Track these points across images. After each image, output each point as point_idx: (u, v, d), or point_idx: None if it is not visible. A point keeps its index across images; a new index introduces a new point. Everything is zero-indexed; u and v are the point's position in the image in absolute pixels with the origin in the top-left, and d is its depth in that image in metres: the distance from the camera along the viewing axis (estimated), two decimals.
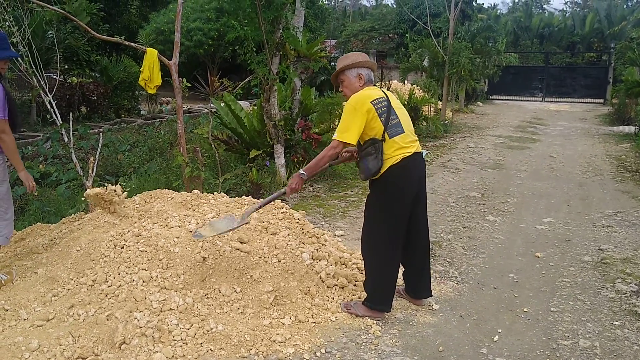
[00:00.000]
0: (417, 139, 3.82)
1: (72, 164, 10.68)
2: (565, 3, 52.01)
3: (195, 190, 5.10)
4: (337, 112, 8.61)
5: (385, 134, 3.59)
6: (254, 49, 7.35)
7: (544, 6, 49.71)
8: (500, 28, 26.05)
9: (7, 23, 4.78)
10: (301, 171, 3.78)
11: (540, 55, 32.22)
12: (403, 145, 3.64)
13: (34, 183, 4.12)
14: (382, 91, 3.74)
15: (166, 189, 5.23)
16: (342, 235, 5.52)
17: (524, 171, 9.21)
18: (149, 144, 12.01)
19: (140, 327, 3.27)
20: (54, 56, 14.73)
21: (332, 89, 20.54)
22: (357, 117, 3.55)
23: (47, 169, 9.61)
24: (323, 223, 5.95)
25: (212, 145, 6.79)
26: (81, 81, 17.33)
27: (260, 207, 4.05)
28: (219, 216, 4.36)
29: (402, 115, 3.71)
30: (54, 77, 15.77)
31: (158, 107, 20.17)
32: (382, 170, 3.64)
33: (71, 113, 5.66)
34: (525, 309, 4.05)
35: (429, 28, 15.56)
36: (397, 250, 3.80)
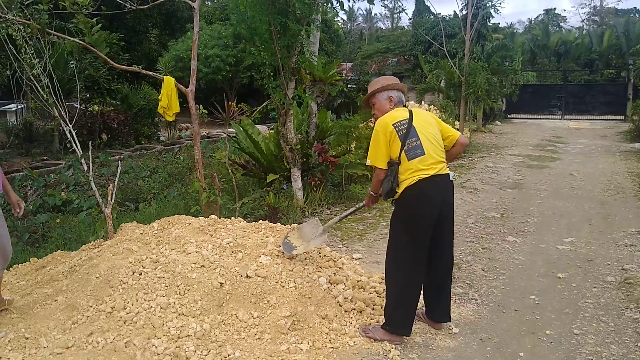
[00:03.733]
0: (443, 160, 3.80)
1: (92, 191, 10.85)
2: (583, 20, 51.92)
3: (213, 216, 5.14)
4: (354, 135, 8.63)
5: (403, 156, 3.61)
6: (271, 74, 7.44)
7: (561, 24, 49.65)
8: (517, 47, 26.04)
9: (29, 55, 4.90)
10: (370, 191, 4.03)
11: (558, 73, 32.05)
12: (421, 167, 3.64)
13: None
14: (409, 111, 3.76)
15: (184, 215, 5.28)
16: (359, 259, 5.49)
17: (544, 190, 9.11)
18: (168, 170, 12.15)
19: (158, 354, 3.28)
20: (75, 85, 15.08)
21: (350, 112, 20.66)
22: (381, 141, 3.65)
23: (68, 197, 9.74)
24: (340, 246, 5.93)
25: (230, 170, 6.83)
26: (102, 109, 17.64)
27: (340, 220, 4.56)
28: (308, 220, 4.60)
29: (426, 136, 3.70)
30: (75, 105, 16.09)
31: (177, 133, 20.44)
32: (399, 192, 3.66)
33: (91, 142, 5.74)
34: (547, 332, 3.97)
35: (445, 49, 15.59)
36: (418, 273, 3.75)
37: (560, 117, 26.37)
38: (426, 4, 38.09)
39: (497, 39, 25.91)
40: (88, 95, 16.88)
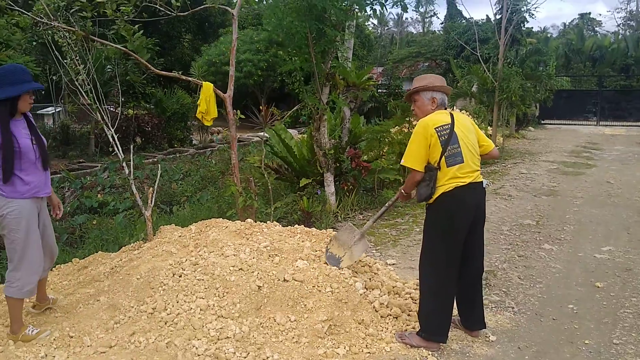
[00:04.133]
0: (478, 168, 3.80)
1: (128, 193, 11.09)
2: (618, 25, 50.89)
3: (249, 219, 5.20)
4: (386, 140, 8.62)
5: (442, 162, 3.62)
6: (302, 79, 7.52)
7: (596, 29, 48.76)
8: (551, 51, 25.65)
9: (74, 61, 5.05)
10: (401, 189, 4.04)
11: (593, 79, 31.49)
12: (459, 175, 3.65)
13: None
14: (450, 115, 3.76)
15: (220, 218, 5.35)
16: (394, 264, 5.49)
17: (580, 198, 8.96)
18: (201, 173, 12.31)
19: (199, 355, 3.34)
20: (111, 90, 15.39)
21: (380, 116, 20.63)
22: (421, 143, 3.64)
23: (105, 198, 9.94)
24: (374, 252, 5.93)
25: (265, 175, 6.90)
26: (136, 113, 17.97)
27: (375, 221, 4.62)
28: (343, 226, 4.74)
29: (466, 143, 3.70)
30: (111, 109, 16.44)
31: (209, 137, 20.70)
32: (434, 197, 3.67)
33: (132, 145, 5.88)
34: (586, 341, 3.92)
35: (478, 54, 15.46)
36: (451, 279, 3.76)
37: (595, 123, 25.89)
38: (458, 8, 37.97)
39: (530, 43, 25.62)
40: (123, 99, 17.22)
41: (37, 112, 22.16)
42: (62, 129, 17.77)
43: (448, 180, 3.64)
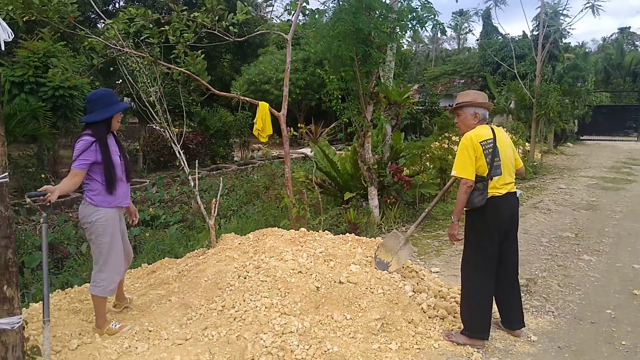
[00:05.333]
0: (513, 180, 4.14)
1: (177, 207, 11.65)
2: None
3: (302, 229, 5.60)
4: (427, 156, 8.95)
5: (488, 174, 3.96)
6: (340, 97, 7.96)
7: (636, 43, 48.13)
8: (590, 66, 25.58)
9: (145, 84, 5.57)
10: (453, 218, 4.19)
11: (634, 94, 31.16)
12: (497, 186, 4.01)
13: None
14: (492, 129, 4.10)
15: (275, 227, 5.77)
16: (438, 272, 5.80)
17: (619, 212, 9.10)
18: (246, 188, 12.79)
19: (266, 347, 3.73)
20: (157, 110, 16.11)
21: (416, 133, 20.89)
22: (470, 155, 3.97)
23: (156, 212, 10.47)
24: (418, 261, 6.25)
25: (316, 188, 7.31)
26: (181, 131, 18.67)
27: (416, 226, 4.99)
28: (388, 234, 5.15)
29: (505, 157, 4.05)
30: (155, 127, 17.14)
31: (250, 154, 21.31)
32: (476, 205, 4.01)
33: (197, 160, 6.37)
34: (623, 342, 4.17)
35: (515, 70, 15.67)
36: (488, 280, 4.09)
37: (635, 138, 25.63)
38: (494, 25, 38.08)
39: (568, 58, 25.61)
40: (170, 118, 17.92)
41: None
42: None
43: (489, 190, 3.99)
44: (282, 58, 25.96)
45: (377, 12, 7.05)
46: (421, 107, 27.43)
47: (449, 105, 31.89)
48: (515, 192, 4.20)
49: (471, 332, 4.08)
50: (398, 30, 7.25)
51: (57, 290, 5.34)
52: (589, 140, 25.27)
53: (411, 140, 12.70)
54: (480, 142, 4.00)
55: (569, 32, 24.95)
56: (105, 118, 4.07)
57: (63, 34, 6.07)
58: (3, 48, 3.38)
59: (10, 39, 3.43)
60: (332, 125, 24.08)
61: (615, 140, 25.37)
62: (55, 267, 7.32)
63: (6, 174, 3.49)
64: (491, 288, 4.13)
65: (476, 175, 4.00)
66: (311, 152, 11.83)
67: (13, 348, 3.49)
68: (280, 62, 25.76)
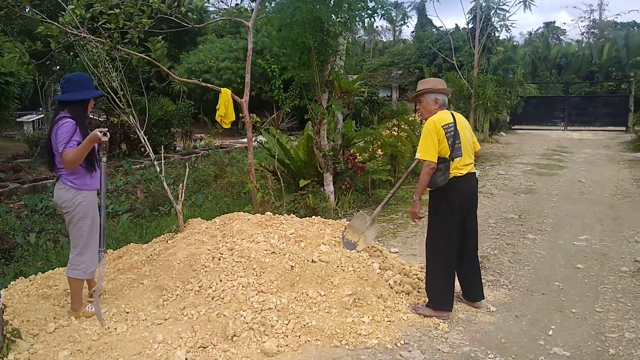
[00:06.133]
0: (473, 161, 4.43)
1: (122, 197, 11.46)
2: (582, 34, 52.69)
3: (268, 212, 5.72)
4: (378, 143, 9.23)
5: (450, 155, 4.22)
6: (281, 87, 8.13)
7: (560, 37, 50.47)
8: (519, 59, 26.74)
9: (107, 70, 5.51)
10: (415, 197, 4.43)
11: (560, 85, 32.73)
12: (459, 166, 4.29)
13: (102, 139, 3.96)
14: (452, 114, 4.36)
15: (241, 212, 5.87)
16: (397, 252, 6.07)
17: (555, 195, 9.70)
18: (194, 177, 12.70)
19: (247, 323, 3.86)
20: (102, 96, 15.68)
21: (356, 122, 21.21)
22: (433, 139, 4.21)
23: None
24: (377, 242, 6.48)
25: (278, 174, 7.43)
26: (121, 120, 18.25)
27: (382, 207, 5.14)
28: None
29: (465, 139, 4.33)
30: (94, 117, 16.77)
31: (192, 143, 21.06)
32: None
33: (166, 147, 6.35)
34: (573, 310, 4.56)
35: (454, 62, 16.25)
36: (451, 256, 4.39)
37: (563, 128, 27.01)
38: (428, 17, 39.07)
39: (498, 51, 26.67)
40: (110, 107, 17.48)
41: (17, 119, 22.20)
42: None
43: (451, 170, 4.27)
44: (222, 47, 25.72)
45: (332, 2, 7.22)
46: (361, 98, 27.93)
47: (387, 97, 32.55)
48: (475, 172, 4.50)
49: (436, 304, 4.36)
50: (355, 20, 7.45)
51: (11, 280, 5.24)
52: (521, 129, 26.41)
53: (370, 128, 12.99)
54: (442, 126, 4.26)
55: (509, 29, 25.92)
56: (85, 98, 4.06)
57: None
58: None
59: None
60: (273, 115, 24.14)
61: (544, 129, 26.63)
62: (4, 257, 7.12)
63: None
64: (454, 263, 4.42)
65: (438, 157, 4.26)
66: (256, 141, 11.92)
67: None
68: (221, 50, 25.50)
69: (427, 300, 4.48)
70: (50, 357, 3.50)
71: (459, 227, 4.38)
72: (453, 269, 4.45)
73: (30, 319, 4.05)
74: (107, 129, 3.98)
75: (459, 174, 4.30)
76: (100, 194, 4.20)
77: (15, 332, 3.65)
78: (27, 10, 5.49)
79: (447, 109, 4.54)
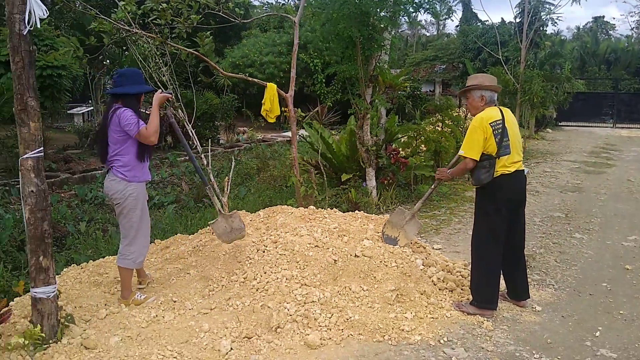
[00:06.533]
0: (521, 158, 4.36)
1: (168, 188, 11.70)
2: (632, 29, 50.97)
3: (311, 206, 5.77)
4: (421, 138, 9.16)
5: (496, 153, 4.17)
6: (324, 81, 8.13)
7: (610, 32, 48.99)
8: (567, 54, 26.07)
9: (157, 64, 5.64)
10: (448, 172, 4.55)
11: (608, 81, 31.78)
12: (507, 164, 4.23)
13: (164, 94, 4.49)
14: (500, 110, 4.30)
15: (284, 205, 5.93)
16: (440, 249, 6.03)
17: (603, 194, 9.46)
18: (237, 170, 12.86)
19: (291, 315, 3.91)
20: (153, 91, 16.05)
21: (399, 117, 21.10)
22: (479, 136, 4.17)
23: (149, 192, 10.52)
24: (420, 238, 6.46)
25: (321, 168, 7.47)
26: (167, 113, 18.63)
27: (423, 202, 5.15)
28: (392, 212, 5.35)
29: (513, 136, 4.27)
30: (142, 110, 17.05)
31: (235, 137, 21.32)
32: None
33: (210, 140, 6.47)
34: (621, 312, 4.45)
35: (500, 56, 15.95)
36: (497, 254, 4.33)
37: (611, 125, 26.26)
38: (474, 11, 38.42)
39: (546, 45, 26.05)
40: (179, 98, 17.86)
41: (68, 111, 22.91)
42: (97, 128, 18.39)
43: (498, 168, 4.21)
44: (266, 41, 25.90)
45: None
46: (403, 92, 27.75)
47: (430, 91, 32.21)
48: (523, 170, 4.43)
49: (480, 302, 4.32)
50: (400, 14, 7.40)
51: (63, 267, 5.44)
52: (568, 126, 25.79)
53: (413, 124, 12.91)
54: (490, 123, 4.21)
55: (555, 23, 25.34)
56: (139, 92, 4.19)
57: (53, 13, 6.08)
58: (39, 25, 3.46)
59: (45, 16, 3.51)
60: (315, 109, 24.20)
61: (592, 126, 25.94)
62: (56, 245, 7.37)
63: (41, 148, 3.60)
64: (499, 261, 4.37)
65: (484, 153, 4.21)
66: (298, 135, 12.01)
67: (48, 316, 3.63)
68: (264, 45, 25.69)
69: (470, 297, 4.44)
70: (101, 342, 3.62)
71: (506, 225, 4.32)
72: (499, 267, 4.40)
73: (83, 305, 4.20)
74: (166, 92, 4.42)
75: (507, 172, 4.24)
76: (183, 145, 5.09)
77: (69, 317, 3.79)
78: (77, 5, 5.65)
79: (495, 105, 4.48)
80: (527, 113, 16.58)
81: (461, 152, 4.34)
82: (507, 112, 4.42)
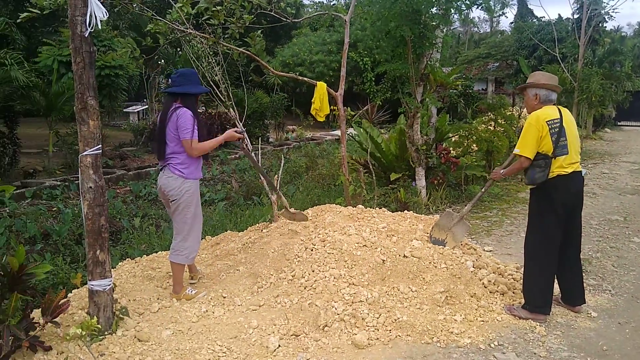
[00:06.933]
0: (579, 159, 4.23)
1: (219, 185, 11.91)
2: None
3: (360, 205, 5.75)
4: (473, 138, 9.00)
5: (553, 153, 4.06)
6: (373, 80, 8.07)
7: None
8: (628, 51, 25.09)
9: (211, 64, 5.75)
10: (501, 171, 4.46)
11: None
12: (564, 165, 4.10)
13: (237, 135, 4.54)
14: (559, 110, 4.19)
15: (333, 204, 5.94)
16: (491, 251, 5.91)
17: None
18: (285, 168, 12.96)
19: (338, 314, 3.91)
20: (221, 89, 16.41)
21: (450, 116, 20.81)
22: (533, 134, 4.07)
23: (200, 190, 10.71)
24: (470, 240, 6.35)
25: (369, 167, 7.45)
26: (218, 111, 18.96)
27: (473, 204, 5.09)
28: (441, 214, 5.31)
29: (571, 136, 4.14)
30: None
31: (284, 135, 21.51)
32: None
33: (260, 138, 6.57)
34: None
35: (557, 54, 15.50)
36: (551, 257, 4.21)
37: None
38: (529, 7, 37.45)
39: (605, 42, 25.14)
40: (208, 99, 18.21)
41: (124, 110, 23.62)
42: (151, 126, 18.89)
43: (555, 168, 4.10)
44: (316, 40, 26.00)
45: None
46: (455, 91, 27.33)
47: (483, 90, 31.62)
48: (581, 171, 4.29)
49: (533, 306, 4.21)
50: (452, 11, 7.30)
51: (118, 261, 5.61)
52: (627, 126, 24.85)
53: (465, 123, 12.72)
54: (546, 122, 4.09)
55: (611, 17, 24.45)
56: (199, 92, 4.30)
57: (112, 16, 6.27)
58: (100, 27, 3.58)
59: (105, 18, 3.62)
60: (364, 108, 24.13)
61: None
62: (111, 239, 7.61)
63: (100, 146, 3.72)
64: (554, 265, 4.24)
65: (539, 152, 4.10)
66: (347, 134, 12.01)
67: (104, 308, 3.75)
68: (314, 44, 25.79)
69: (522, 301, 4.34)
70: (154, 335, 3.71)
71: (562, 228, 4.19)
72: (553, 270, 4.27)
73: (136, 299, 4.32)
74: (241, 129, 4.59)
75: (564, 173, 4.12)
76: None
77: (123, 310, 3.91)
78: (135, 7, 5.80)
79: (554, 104, 4.37)
80: (585, 112, 16.04)
81: (516, 151, 4.24)
82: (565, 111, 4.30)
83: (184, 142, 4.17)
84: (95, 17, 3.49)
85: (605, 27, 20.80)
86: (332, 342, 3.70)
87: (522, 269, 4.92)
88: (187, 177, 4.26)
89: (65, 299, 3.56)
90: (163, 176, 4.32)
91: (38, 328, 3.40)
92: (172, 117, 4.18)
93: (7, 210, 8.72)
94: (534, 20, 35.01)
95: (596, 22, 17.57)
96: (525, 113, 15.36)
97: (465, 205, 5.09)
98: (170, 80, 4.44)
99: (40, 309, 3.43)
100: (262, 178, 5.71)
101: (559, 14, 37.32)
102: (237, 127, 4.50)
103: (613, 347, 3.81)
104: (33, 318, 3.45)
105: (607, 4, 17.76)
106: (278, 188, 5.62)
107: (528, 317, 4.19)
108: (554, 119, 4.11)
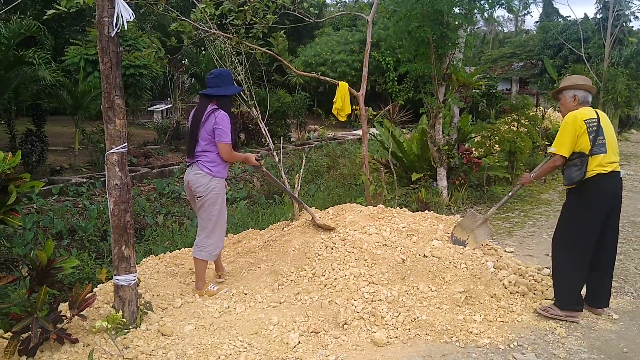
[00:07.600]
0: (617, 160, 4.21)
1: (241, 184, 12.03)
2: None
3: (380, 205, 5.78)
4: (496, 138, 8.95)
5: (590, 151, 4.05)
6: (395, 79, 8.05)
7: None
8: None
9: (234, 64, 5.83)
10: (531, 174, 4.54)
11: None
12: (602, 164, 4.09)
13: (254, 161, 4.63)
14: (596, 112, 4.19)
15: (353, 204, 5.97)
16: (512, 252, 5.89)
17: None
18: (307, 167, 13.03)
19: (358, 312, 3.95)
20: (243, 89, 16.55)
21: (473, 115, 20.67)
22: (570, 133, 4.08)
23: None
24: (491, 241, 6.33)
25: (390, 166, 7.47)
26: (241, 110, 19.11)
27: (499, 207, 5.17)
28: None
29: (609, 136, 4.14)
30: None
31: (306, 135, 21.58)
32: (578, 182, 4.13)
33: (282, 137, 6.65)
34: None
35: (582, 54, 15.32)
36: (586, 256, 4.19)
37: None
38: (555, 6, 37.02)
39: (631, 42, 24.72)
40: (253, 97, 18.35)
41: (148, 109, 23.94)
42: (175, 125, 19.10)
43: (594, 167, 4.09)
44: (339, 39, 26.02)
45: None
46: (478, 90, 27.11)
47: (507, 89, 31.30)
48: (619, 171, 4.27)
49: (566, 304, 4.20)
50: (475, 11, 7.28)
51: (142, 258, 5.72)
52: None
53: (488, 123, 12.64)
54: (584, 120, 4.10)
55: (637, 17, 24.05)
56: (234, 93, 4.40)
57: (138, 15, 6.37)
58: (127, 27, 3.66)
59: (132, 19, 3.70)
60: (386, 108, 24.09)
61: None
62: (135, 236, 7.74)
63: (125, 144, 3.81)
64: (585, 265, 4.21)
65: (574, 151, 4.10)
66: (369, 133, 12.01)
67: (129, 303, 3.83)
68: (337, 43, 25.81)
69: (543, 302, 4.34)
70: (177, 330, 3.79)
71: (598, 227, 4.18)
72: (585, 269, 4.25)
73: (160, 294, 4.40)
74: (260, 157, 4.68)
75: (603, 172, 4.10)
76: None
77: (147, 304, 3.99)
78: (159, 7, 5.90)
79: (590, 106, 4.36)
80: (611, 113, 15.79)
81: (552, 149, 4.24)
82: (602, 113, 4.30)
83: (222, 145, 4.27)
84: (122, 18, 3.58)
85: (632, 27, 20.49)
86: (351, 340, 3.74)
87: (544, 270, 4.95)
88: (214, 175, 4.34)
89: (91, 293, 3.66)
90: (191, 172, 4.41)
91: (65, 321, 3.51)
92: (209, 119, 4.26)
93: (35, 207, 8.93)
94: (560, 19, 34.62)
95: (621, 22, 17.30)
96: (549, 113, 15.15)
97: (489, 208, 5.07)
98: (205, 81, 4.52)
99: (67, 302, 3.54)
100: (285, 188, 5.74)
101: (585, 13, 36.85)
102: (257, 155, 4.60)
103: (634, 349, 3.79)
104: (60, 311, 3.55)
105: (633, 4, 17.47)
106: (299, 187, 5.67)
107: (562, 315, 4.17)
108: (592, 118, 4.11)
